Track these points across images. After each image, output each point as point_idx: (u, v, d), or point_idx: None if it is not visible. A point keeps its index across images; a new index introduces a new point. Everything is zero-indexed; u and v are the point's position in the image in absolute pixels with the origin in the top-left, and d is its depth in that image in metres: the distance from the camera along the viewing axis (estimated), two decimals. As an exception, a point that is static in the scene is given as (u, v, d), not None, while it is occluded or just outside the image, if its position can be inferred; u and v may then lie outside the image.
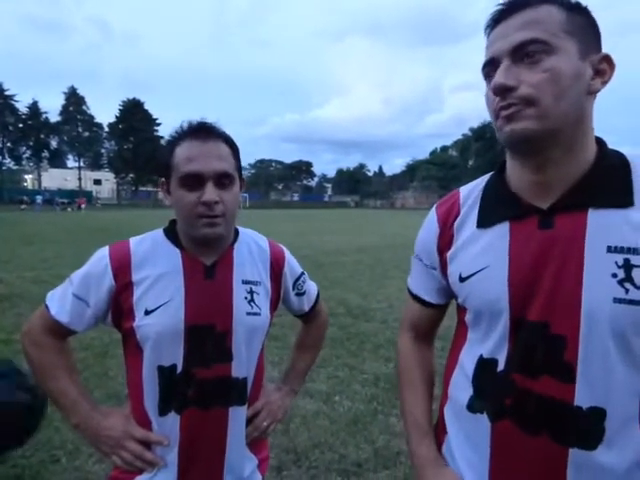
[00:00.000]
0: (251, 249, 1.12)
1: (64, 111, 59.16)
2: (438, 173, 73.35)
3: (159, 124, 62.67)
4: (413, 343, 1.00)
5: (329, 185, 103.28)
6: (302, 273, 1.23)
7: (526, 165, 0.76)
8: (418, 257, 0.96)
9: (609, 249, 0.69)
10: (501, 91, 0.71)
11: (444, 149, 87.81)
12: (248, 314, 1.05)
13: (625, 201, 0.70)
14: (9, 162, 57.70)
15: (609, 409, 0.70)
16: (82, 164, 62.19)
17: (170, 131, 1.02)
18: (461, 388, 0.86)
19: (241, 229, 1.14)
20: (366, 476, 2.32)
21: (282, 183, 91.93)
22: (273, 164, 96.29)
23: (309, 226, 21.73)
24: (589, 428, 0.70)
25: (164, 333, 0.97)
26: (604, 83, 0.72)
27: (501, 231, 0.78)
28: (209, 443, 1.03)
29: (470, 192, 0.88)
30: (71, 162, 65.66)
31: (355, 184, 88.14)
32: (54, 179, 62.33)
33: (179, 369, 0.99)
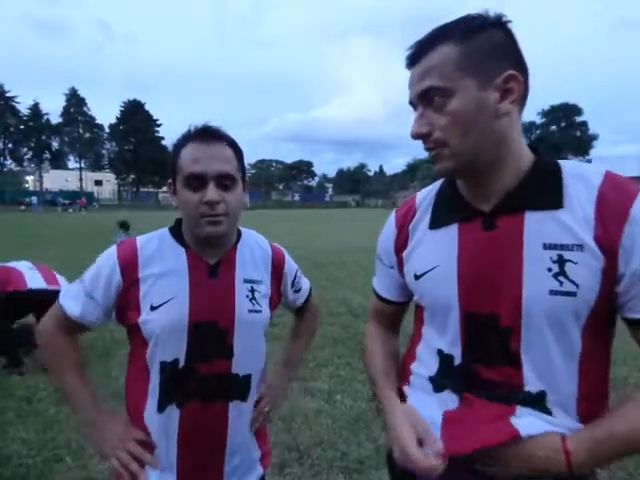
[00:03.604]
0: (253, 249, 1.15)
1: (65, 112, 59.32)
2: (439, 172, 73.07)
3: (160, 125, 62.73)
4: (378, 328, 1.08)
5: (330, 185, 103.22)
6: (297, 270, 1.27)
7: (464, 181, 0.86)
8: (379, 258, 1.03)
9: (544, 246, 0.76)
10: (418, 138, 0.80)
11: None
12: (250, 311, 1.08)
13: (556, 203, 0.77)
14: (10, 163, 57.90)
15: (548, 391, 0.78)
16: (83, 165, 62.34)
17: (173, 133, 1.06)
18: (423, 376, 0.91)
19: (244, 230, 1.18)
20: (368, 473, 2.33)
21: (283, 183, 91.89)
22: (274, 164, 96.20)
23: (310, 226, 21.74)
24: (535, 407, 0.78)
25: (169, 328, 1.01)
26: (513, 102, 0.75)
27: (450, 232, 0.86)
28: (210, 436, 1.06)
29: (425, 196, 0.95)
30: (72, 163, 65.92)
31: (356, 184, 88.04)
32: (55, 180, 62.38)
33: (181, 364, 1.02)
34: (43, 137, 57.94)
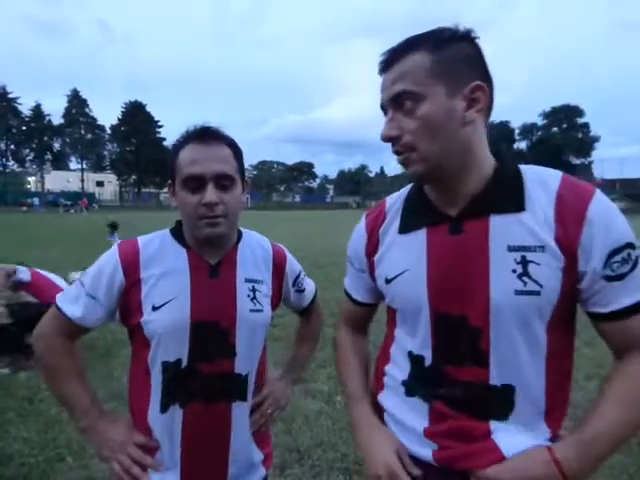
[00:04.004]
0: (253, 249, 1.15)
1: (67, 114, 59.48)
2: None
3: (161, 126, 62.85)
4: (349, 333, 1.11)
5: (331, 186, 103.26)
6: (300, 271, 1.28)
7: (432, 186, 0.89)
8: (350, 261, 1.05)
9: (509, 248, 0.79)
10: (387, 141, 0.83)
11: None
12: (251, 311, 1.08)
13: (518, 207, 0.80)
14: (12, 164, 58.10)
15: (517, 386, 0.81)
16: (85, 166, 62.50)
17: (174, 134, 1.07)
18: (396, 379, 0.94)
19: (244, 230, 1.18)
20: (367, 474, 2.33)
21: (284, 184, 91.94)
22: (275, 165, 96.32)
23: (311, 227, 21.74)
24: (501, 402, 0.82)
25: (171, 328, 1.01)
26: (480, 111, 0.79)
27: (419, 237, 0.88)
28: (213, 437, 1.06)
29: (395, 200, 0.97)
30: (74, 164, 66.09)
31: (357, 185, 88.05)
32: (57, 181, 62.46)
33: (184, 363, 1.02)
34: (45, 138, 58.15)
